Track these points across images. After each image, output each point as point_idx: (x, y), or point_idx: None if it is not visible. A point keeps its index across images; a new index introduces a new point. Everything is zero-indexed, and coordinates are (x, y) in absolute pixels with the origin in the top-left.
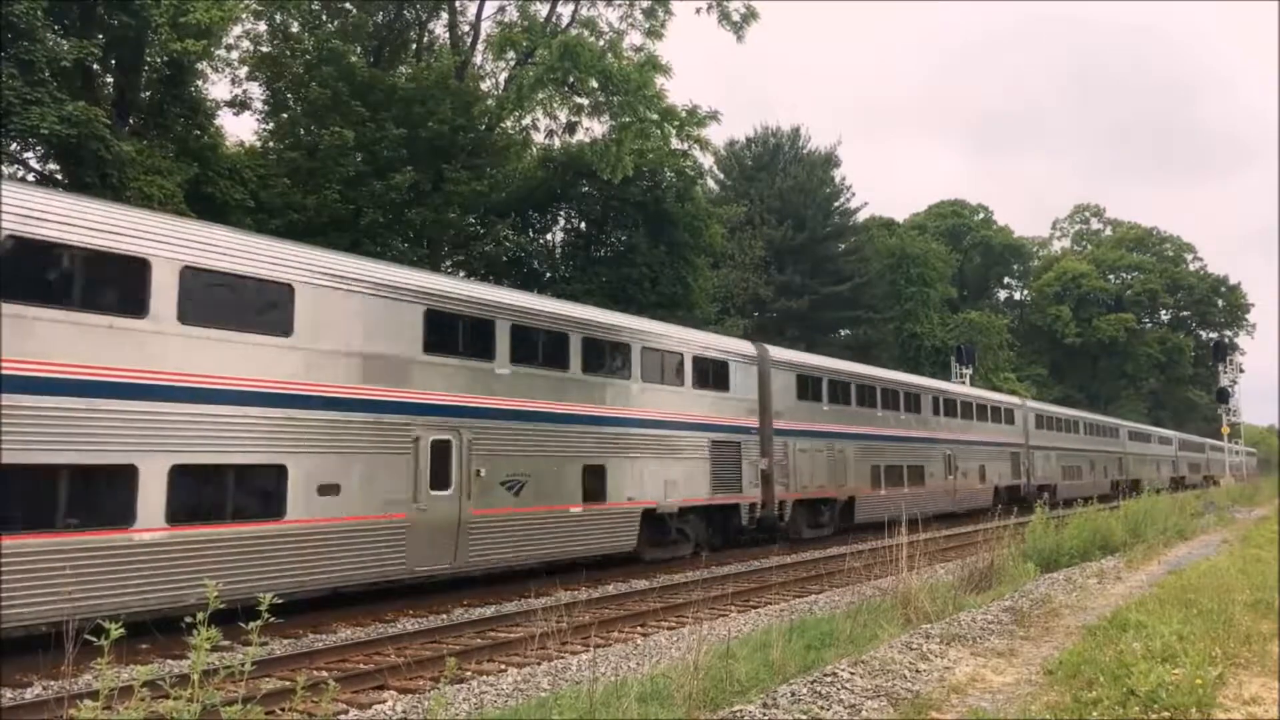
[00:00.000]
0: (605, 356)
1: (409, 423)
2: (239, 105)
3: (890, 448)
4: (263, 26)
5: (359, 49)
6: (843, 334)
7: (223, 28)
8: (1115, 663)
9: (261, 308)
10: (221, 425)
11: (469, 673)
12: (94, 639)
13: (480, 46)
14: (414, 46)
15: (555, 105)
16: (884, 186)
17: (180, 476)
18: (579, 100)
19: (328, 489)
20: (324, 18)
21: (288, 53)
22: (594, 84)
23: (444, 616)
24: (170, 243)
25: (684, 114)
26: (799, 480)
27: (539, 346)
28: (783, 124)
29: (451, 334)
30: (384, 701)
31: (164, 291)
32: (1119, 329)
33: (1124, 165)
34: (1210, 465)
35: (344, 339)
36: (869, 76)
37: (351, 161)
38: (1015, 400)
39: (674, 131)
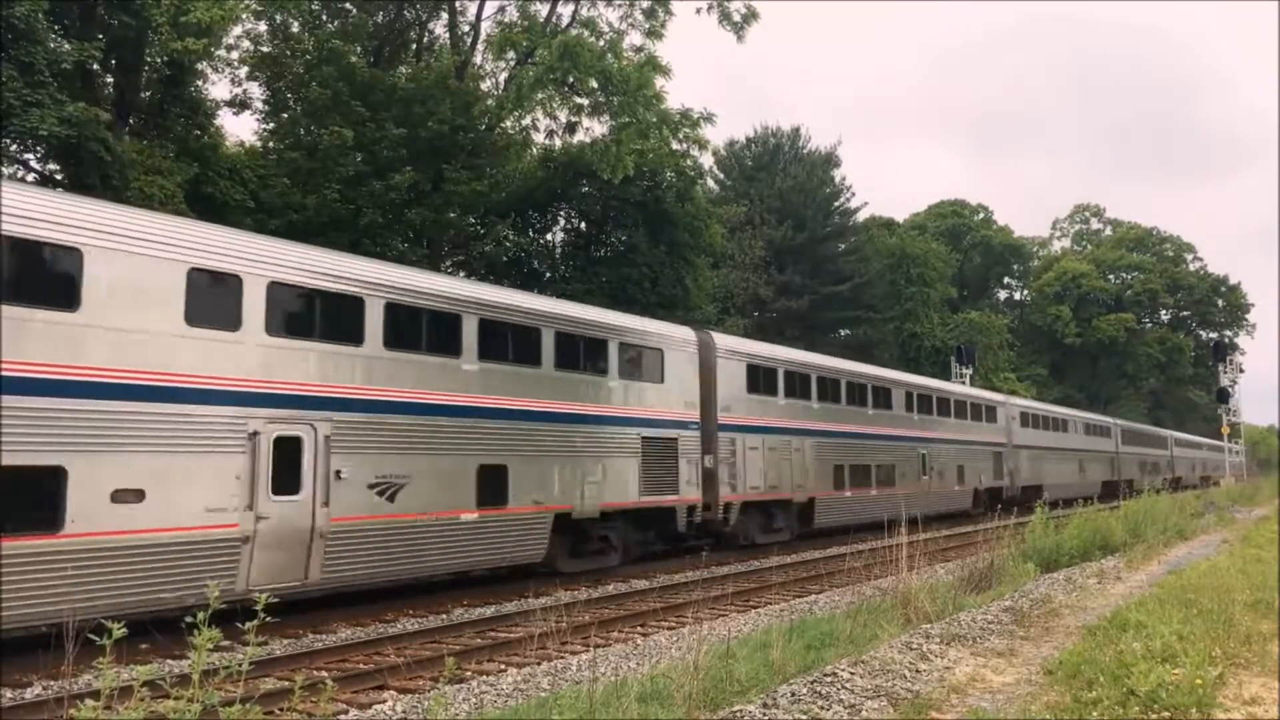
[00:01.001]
0: None
1: None
2: (239, 105)
3: None
4: (263, 26)
5: (359, 49)
6: (843, 334)
7: (223, 27)
8: (1115, 663)
9: None
10: None
11: (469, 673)
12: (95, 638)
13: (480, 46)
14: (414, 46)
15: (555, 105)
16: (884, 186)
17: None
18: (579, 100)
19: None
20: (324, 18)
21: (288, 53)
22: (594, 84)
23: (444, 616)
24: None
25: (678, 117)
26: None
27: None
28: (783, 124)
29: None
30: (384, 701)
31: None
32: (1119, 329)
33: (1124, 165)
34: (1176, 465)
35: None
36: (869, 76)
37: (351, 161)
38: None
39: (670, 135)
